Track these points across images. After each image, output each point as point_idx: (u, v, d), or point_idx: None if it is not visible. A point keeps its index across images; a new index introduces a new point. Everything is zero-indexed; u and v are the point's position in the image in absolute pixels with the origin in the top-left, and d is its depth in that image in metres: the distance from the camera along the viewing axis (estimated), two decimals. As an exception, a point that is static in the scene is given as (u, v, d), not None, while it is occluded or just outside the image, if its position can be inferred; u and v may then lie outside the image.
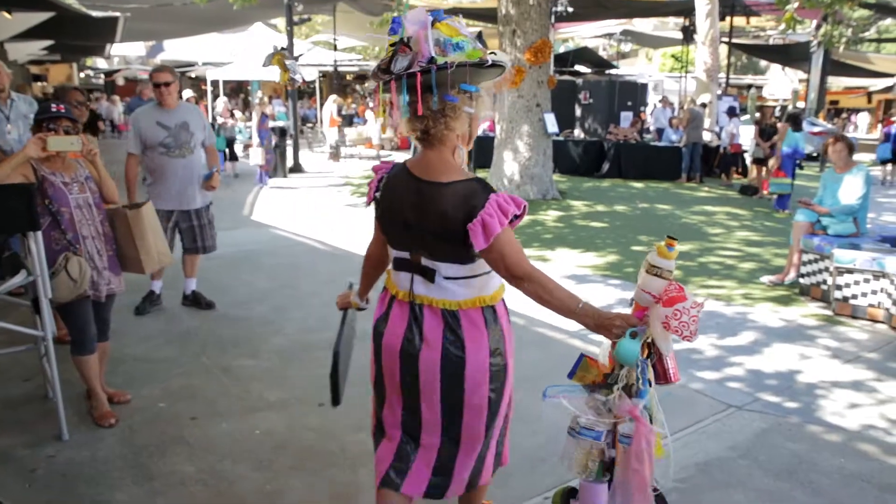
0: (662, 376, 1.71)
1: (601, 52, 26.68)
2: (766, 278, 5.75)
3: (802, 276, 5.36)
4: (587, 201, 9.98)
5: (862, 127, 28.63)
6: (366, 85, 30.54)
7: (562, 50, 23.02)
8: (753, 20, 21.97)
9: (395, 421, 2.05)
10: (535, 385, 3.55)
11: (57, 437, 3.00)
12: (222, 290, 4.94)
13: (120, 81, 25.99)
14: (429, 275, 1.89)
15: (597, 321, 1.73)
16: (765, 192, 10.63)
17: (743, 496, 2.65)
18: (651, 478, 1.68)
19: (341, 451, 2.95)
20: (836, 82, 27.95)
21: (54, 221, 2.99)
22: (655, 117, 16.44)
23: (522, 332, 2.65)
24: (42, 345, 3.13)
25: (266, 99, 11.82)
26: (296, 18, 14.37)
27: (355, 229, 7.88)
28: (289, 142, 13.20)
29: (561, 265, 6.22)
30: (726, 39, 18.84)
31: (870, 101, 29.99)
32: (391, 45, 1.81)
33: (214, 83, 20.24)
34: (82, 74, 26.02)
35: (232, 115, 12.90)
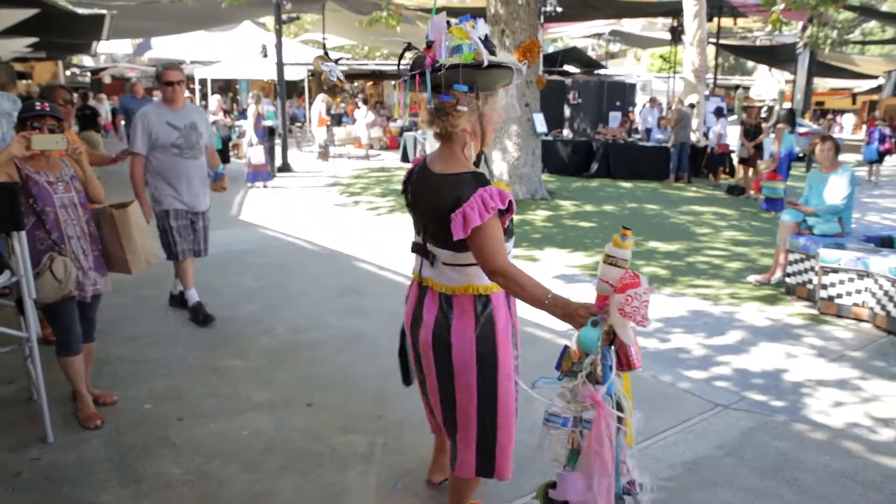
0: (625, 363, 1.76)
1: (590, 53, 26.77)
2: (752, 278, 5.79)
3: (788, 275, 5.41)
4: (576, 201, 10.01)
5: (847, 128, 28.93)
6: (354, 84, 30.48)
7: (551, 50, 23.08)
8: (740, 21, 22.14)
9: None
10: (525, 384, 3.56)
11: (41, 440, 2.97)
12: (210, 290, 4.91)
13: (107, 79, 25.75)
14: (431, 259, 2.07)
15: (564, 311, 1.82)
16: (752, 192, 10.71)
17: (730, 494, 2.67)
18: (612, 462, 1.73)
19: (330, 452, 2.94)
20: (822, 83, 28.25)
21: (39, 221, 2.96)
22: (643, 117, 16.53)
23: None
24: (26, 346, 3.10)
25: (259, 97, 11.66)
26: (284, 17, 14.31)
27: (344, 229, 7.86)
28: (277, 141, 13.13)
29: (549, 265, 6.24)
30: (714, 40, 18.97)
31: (854, 102, 30.32)
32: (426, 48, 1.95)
33: (203, 82, 20.11)
34: (68, 72, 25.72)
35: (226, 114, 12.80)
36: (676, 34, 18.17)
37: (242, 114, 19.01)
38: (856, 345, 4.36)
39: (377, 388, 3.57)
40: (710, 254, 6.82)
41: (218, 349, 4.12)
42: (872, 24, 30.61)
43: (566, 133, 14.82)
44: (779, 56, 22.72)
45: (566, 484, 1.81)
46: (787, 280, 5.43)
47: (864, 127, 21.26)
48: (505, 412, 2.13)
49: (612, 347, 1.76)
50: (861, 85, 27.66)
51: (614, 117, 15.01)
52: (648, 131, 15.25)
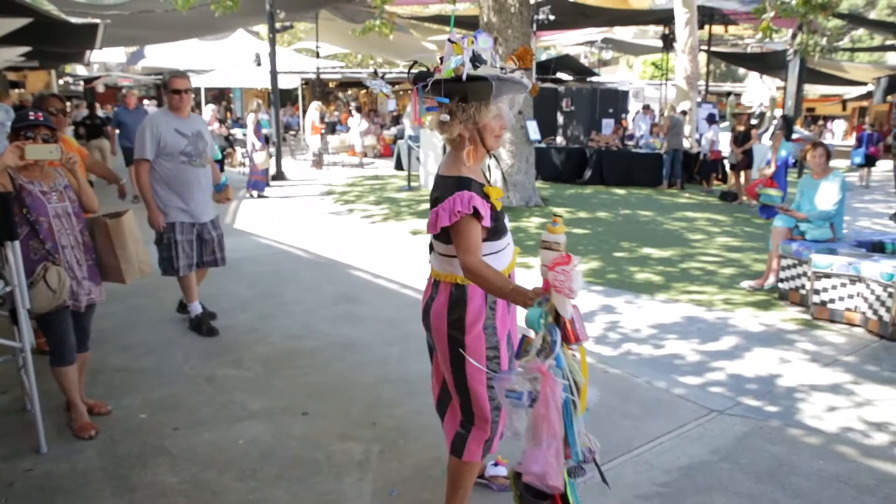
0: (571, 337, 1.88)
1: (582, 60, 26.91)
2: (746, 283, 5.82)
3: (781, 280, 5.44)
4: (569, 208, 10.04)
5: (838, 134, 29.17)
6: (348, 92, 30.55)
7: (543, 57, 23.19)
8: (731, 29, 22.35)
9: None
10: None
11: (35, 450, 2.95)
12: (205, 299, 4.89)
13: (100, 88, 25.68)
14: (430, 247, 2.32)
15: (522, 298, 1.96)
16: (745, 197, 10.77)
17: (725, 499, 2.68)
18: (559, 427, 1.84)
19: (326, 460, 2.94)
20: (813, 90, 28.50)
21: (32, 231, 2.95)
22: (636, 124, 16.63)
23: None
24: (20, 356, 3.08)
25: (259, 105, 11.59)
26: (278, 26, 14.35)
27: (338, 237, 7.86)
28: (271, 149, 13.13)
29: (544, 271, 6.26)
30: (705, 48, 19.13)
31: (844, 108, 30.57)
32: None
33: (196, 91, 20.11)
34: (61, 81, 25.67)
35: (221, 124, 12.76)
36: (668, 42, 18.31)
37: (237, 122, 19.03)
38: (848, 349, 4.39)
39: (373, 396, 3.57)
40: (704, 260, 6.85)
41: (213, 358, 4.11)
42: (861, 31, 30.94)
43: (559, 140, 14.89)
44: (769, 63, 22.91)
45: (526, 456, 1.90)
46: (780, 285, 5.46)
47: (854, 133, 21.46)
48: (476, 400, 2.24)
49: (558, 325, 1.89)
50: (851, 91, 27.90)
51: (607, 124, 15.09)
52: (640, 138, 15.34)
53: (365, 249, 7.12)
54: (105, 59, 26.60)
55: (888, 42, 26.00)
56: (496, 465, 2.74)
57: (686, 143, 13.32)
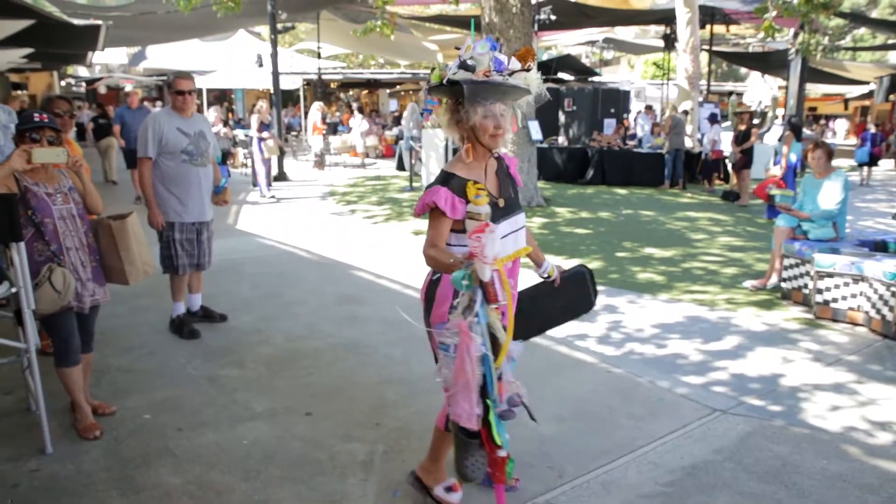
0: (491, 298, 2.03)
1: (584, 60, 26.91)
2: (748, 283, 5.82)
3: (784, 280, 5.44)
4: (571, 208, 10.05)
5: (840, 133, 29.13)
6: (350, 93, 30.57)
7: (545, 57, 23.19)
8: (733, 28, 22.32)
9: None
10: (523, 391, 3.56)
11: (40, 451, 2.96)
12: (208, 300, 4.90)
13: (102, 90, 25.76)
14: None
15: (458, 265, 2.11)
16: (746, 197, 10.76)
17: (729, 499, 2.68)
18: (473, 377, 2.01)
19: (330, 461, 2.95)
20: (815, 89, 28.44)
21: (37, 232, 2.97)
22: (640, 124, 16.62)
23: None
24: (25, 357, 3.09)
25: (265, 107, 11.51)
26: (279, 27, 14.36)
27: (341, 238, 7.87)
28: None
29: (546, 271, 6.26)
30: (707, 47, 19.11)
31: (846, 107, 30.53)
32: None
33: (199, 92, 20.12)
34: (63, 83, 25.74)
35: (225, 124, 12.75)
36: (670, 41, 18.30)
37: (238, 123, 19.05)
38: (851, 349, 4.38)
39: (376, 396, 3.58)
40: (706, 259, 6.85)
41: (217, 359, 4.12)
42: (863, 30, 30.89)
43: (561, 140, 14.88)
44: (771, 62, 22.89)
45: (450, 400, 2.08)
46: (783, 285, 5.46)
47: (857, 132, 21.42)
48: (451, 380, 2.34)
49: (480, 287, 2.04)
50: (853, 90, 27.87)
51: (609, 124, 15.09)
52: (642, 138, 15.34)
53: (367, 250, 7.12)
54: (107, 60, 26.67)
55: (890, 41, 25.96)
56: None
57: (688, 143, 13.31)
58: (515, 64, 2.33)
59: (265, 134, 10.63)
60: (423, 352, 2.85)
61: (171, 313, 4.57)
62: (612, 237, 7.91)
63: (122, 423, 3.27)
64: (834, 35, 30.38)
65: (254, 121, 11.01)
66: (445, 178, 2.32)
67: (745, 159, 10.80)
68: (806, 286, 5.19)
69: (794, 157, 8.69)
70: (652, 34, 24.95)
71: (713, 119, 13.20)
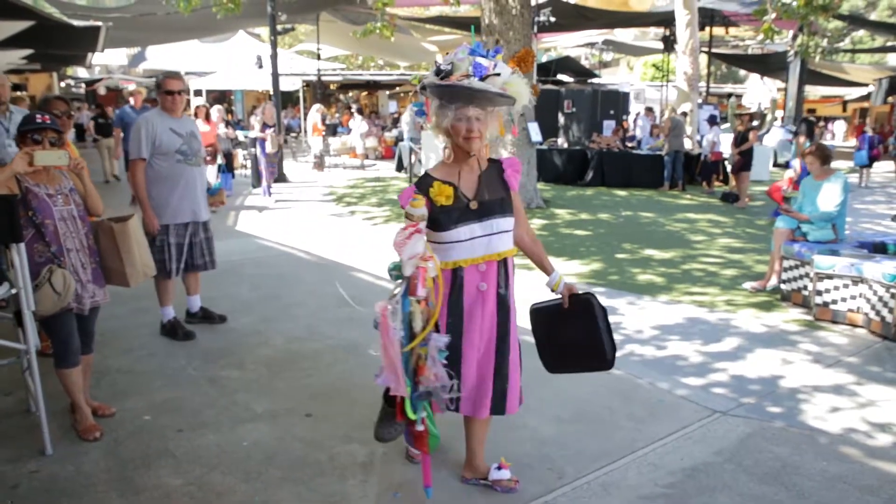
0: (411, 290, 2.21)
1: (583, 62, 26.96)
2: (748, 284, 5.82)
3: (783, 282, 5.45)
4: (571, 209, 10.05)
5: (838, 135, 29.17)
6: (349, 94, 30.59)
7: (544, 59, 23.22)
8: (732, 30, 22.36)
9: None
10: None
11: (40, 452, 2.96)
12: (207, 301, 4.90)
13: (101, 91, 25.77)
14: None
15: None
16: (747, 199, 10.76)
17: (729, 500, 2.68)
18: (397, 356, 2.17)
19: (330, 462, 2.95)
20: (813, 91, 28.49)
21: (38, 233, 2.96)
22: (640, 126, 16.63)
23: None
24: (25, 358, 3.09)
25: (270, 108, 11.30)
26: (279, 28, 14.37)
27: (340, 239, 7.87)
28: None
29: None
30: (706, 49, 19.14)
31: (845, 109, 30.59)
32: None
33: (198, 92, 20.13)
34: (63, 84, 25.74)
35: (227, 125, 12.70)
36: (669, 43, 18.33)
37: (238, 124, 19.03)
38: (851, 350, 4.39)
39: (376, 398, 3.55)
40: (706, 261, 6.86)
41: (216, 360, 4.12)
42: (862, 32, 30.95)
43: (561, 142, 14.89)
44: (770, 64, 22.94)
45: (380, 374, 2.29)
46: (783, 287, 5.46)
47: (856, 134, 21.47)
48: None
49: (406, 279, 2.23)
50: (851, 93, 27.91)
51: (608, 126, 15.10)
52: (641, 139, 15.35)
53: (367, 251, 7.12)
54: (106, 61, 26.68)
55: (889, 43, 26.01)
56: (499, 468, 2.73)
57: (687, 145, 13.32)
58: (502, 69, 2.40)
59: (268, 132, 10.54)
60: (424, 353, 2.85)
61: (161, 319, 4.53)
62: (612, 239, 7.92)
63: (122, 424, 3.27)
64: (833, 37, 30.45)
65: (256, 122, 10.96)
66: (422, 178, 2.49)
67: (744, 161, 10.80)
68: (805, 288, 5.20)
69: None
70: (651, 36, 24.99)
71: (712, 121, 13.22)
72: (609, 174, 13.06)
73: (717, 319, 5.00)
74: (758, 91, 27.53)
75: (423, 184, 2.47)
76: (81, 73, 29.35)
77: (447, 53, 2.48)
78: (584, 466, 2.91)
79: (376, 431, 2.53)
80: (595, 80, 22.90)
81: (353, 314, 5.00)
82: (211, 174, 8.98)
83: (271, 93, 14.33)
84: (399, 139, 16.50)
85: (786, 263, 5.41)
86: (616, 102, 15.97)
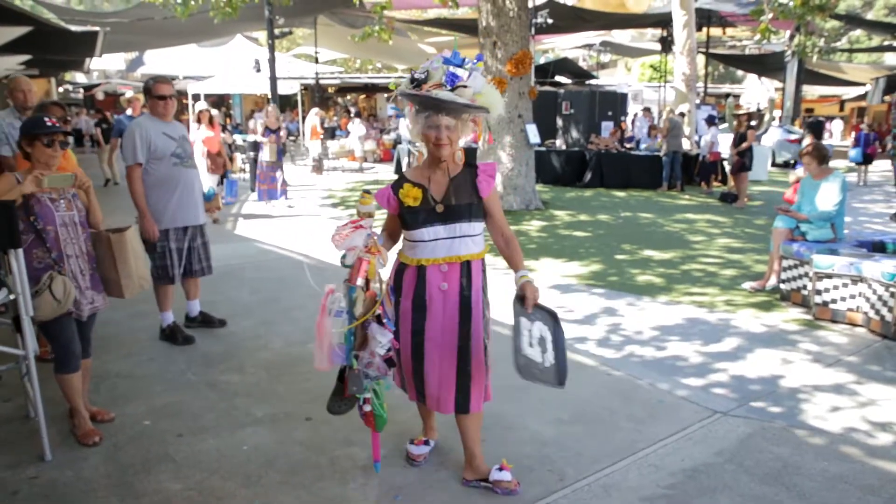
0: (350, 278, 2.52)
1: (581, 63, 26.98)
2: (747, 284, 5.82)
3: (783, 281, 5.45)
4: (570, 211, 10.06)
5: (836, 134, 29.20)
6: (347, 97, 30.61)
7: (542, 61, 23.25)
8: (729, 31, 22.39)
9: None
10: (519, 394, 3.57)
11: (39, 458, 2.95)
12: (207, 305, 4.90)
13: (100, 96, 25.78)
14: None
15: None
16: (746, 199, 10.77)
17: (730, 501, 2.68)
18: (328, 339, 2.51)
19: (330, 465, 2.94)
20: (811, 91, 28.56)
21: (38, 239, 2.97)
22: (638, 126, 16.64)
23: (507, 340, 2.68)
24: (24, 364, 3.09)
25: (272, 111, 11.04)
26: (277, 32, 14.39)
27: (340, 242, 7.85)
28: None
29: (545, 275, 6.26)
30: (703, 50, 19.17)
31: (842, 108, 30.62)
32: None
33: (196, 97, 20.13)
34: (61, 89, 25.75)
35: (223, 129, 12.69)
36: (666, 44, 18.36)
37: (236, 128, 19.04)
38: (851, 350, 4.39)
39: (376, 401, 3.57)
40: (705, 261, 6.86)
41: (216, 364, 4.11)
42: (859, 32, 31.01)
43: (559, 143, 14.90)
44: (768, 65, 22.97)
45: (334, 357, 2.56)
46: (782, 286, 5.46)
47: (853, 133, 21.52)
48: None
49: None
50: (849, 92, 27.95)
51: (606, 127, 15.11)
52: (639, 140, 15.36)
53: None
54: (104, 66, 26.70)
55: (886, 42, 26.06)
56: (501, 469, 2.73)
57: (685, 145, 13.33)
58: (475, 80, 2.45)
59: (266, 139, 10.29)
60: (423, 356, 2.84)
61: (161, 323, 4.52)
62: (611, 240, 7.92)
63: (122, 429, 3.26)
64: (830, 37, 30.50)
65: (259, 125, 10.82)
66: (397, 179, 2.66)
67: (742, 162, 10.80)
68: (805, 287, 5.20)
69: None
70: (648, 37, 25.03)
71: (711, 121, 13.23)
72: (607, 175, 13.07)
73: (717, 320, 5.00)
74: (756, 91, 27.54)
75: (397, 184, 2.62)
76: (80, 78, 29.38)
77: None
78: (585, 468, 2.91)
79: (328, 405, 2.72)
80: (593, 82, 22.93)
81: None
82: (211, 181, 8.88)
83: (270, 96, 14.33)
84: (397, 142, 16.50)
85: (785, 263, 5.41)
86: (614, 103, 15.97)
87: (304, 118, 19.23)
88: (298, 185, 13.40)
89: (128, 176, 4.18)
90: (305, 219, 9.52)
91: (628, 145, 14.86)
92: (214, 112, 12.11)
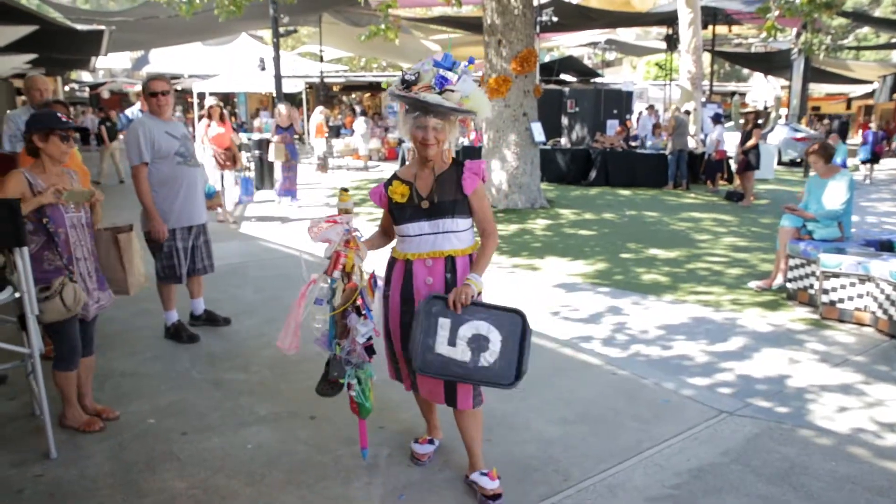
0: (328, 268, 2.68)
1: (586, 61, 26.92)
2: (753, 283, 5.79)
3: (789, 280, 5.41)
4: (575, 209, 10.03)
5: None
6: (352, 96, 30.62)
7: (547, 59, 23.19)
8: (735, 28, 22.29)
9: None
10: (524, 394, 3.56)
11: (44, 456, 2.96)
12: (211, 303, 4.90)
13: (105, 94, 25.84)
14: None
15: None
16: (752, 198, 10.72)
17: (736, 501, 2.66)
18: (296, 321, 2.73)
19: (334, 464, 2.94)
20: (818, 89, 28.40)
21: (50, 241, 2.99)
22: (642, 124, 16.59)
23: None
24: (29, 362, 3.09)
25: (284, 110, 10.76)
26: (281, 30, 14.40)
27: (344, 240, 7.85)
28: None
29: (550, 273, 6.24)
30: (709, 48, 19.09)
31: (849, 106, 30.47)
32: None
33: (201, 95, 20.17)
34: (67, 88, 25.85)
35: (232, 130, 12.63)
36: (672, 42, 18.28)
37: (241, 127, 19.08)
38: (859, 349, 4.35)
39: (380, 399, 3.55)
40: (711, 260, 6.82)
41: (220, 362, 4.11)
42: (866, 29, 30.82)
43: (564, 142, 14.87)
44: (774, 63, 22.86)
45: (319, 339, 2.78)
46: (788, 285, 5.43)
47: (860, 131, 21.40)
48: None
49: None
50: (856, 90, 27.80)
51: (611, 125, 15.07)
52: (644, 137, 15.32)
53: (370, 253, 7.10)
54: (110, 65, 26.76)
55: (893, 40, 25.88)
56: (484, 474, 2.70)
57: (691, 143, 13.28)
58: (464, 84, 2.50)
59: (276, 138, 9.97)
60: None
61: (165, 322, 4.52)
62: (616, 238, 7.89)
63: (127, 427, 3.26)
64: (837, 34, 30.34)
65: (272, 124, 10.71)
66: (390, 177, 2.76)
67: (748, 160, 10.73)
68: (812, 286, 5.17)
69: (838, 160, 8.47)
70: (654, 35, 24.95)
71: (717, 119, 13.17)
72: (613, 174, 13.03)
73: (723, 319, 4.97)
74: (762, 89, 27.45)
75: (388, 182, 2.74)
76: (85, 76, 29.48)
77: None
78: (590, 468, 2.89)
79: (316, 387, 2.85)
80: (598, 80, 22.86)
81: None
82: (222, 178, 8.73)
83: (275, 95, 14.35)
84: (402, 140, 16.49)
85: (792, 262, 5.38)
86: (619, 102, 15.94)
87: (308, 117, 19.25)
88: (303, 183, 13.39)
89: (134, 176, 4.15)
90: (309, 217, 9.50)
91: (633, 144, 14.82)
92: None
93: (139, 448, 3.06)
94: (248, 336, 4.59)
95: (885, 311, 4.56)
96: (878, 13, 31.77)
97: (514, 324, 2.53)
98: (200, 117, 9.11)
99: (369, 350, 2.70)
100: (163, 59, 22.79)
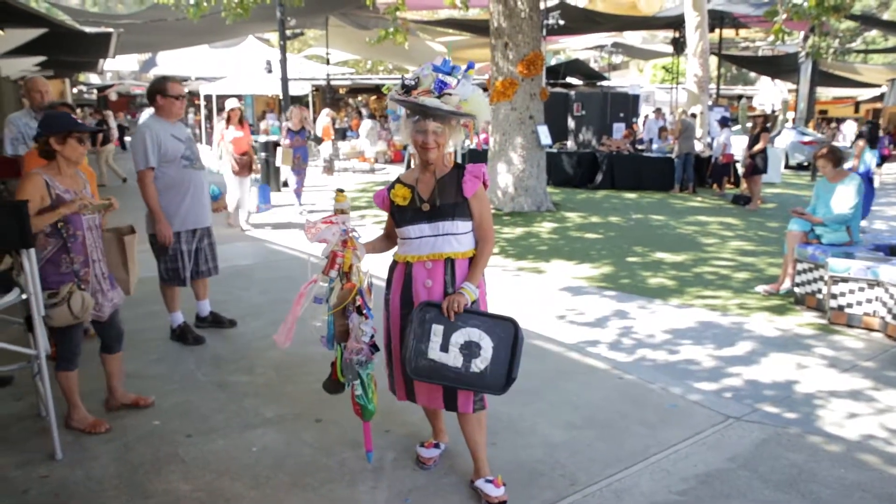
0: (325, 268, 2.70)
1: (592, 64, 26.88)
2: (761, 288, 5.76)
3: (797, 285, 5.38)
4: (581, 213, 10.00)
5: (849, 135, 28.91)
6: (359, 98, 30.67)
7: (553, 62, 23.18)
8: (742, 32, 22.23)
9: None
10: (530, 399, 3.54)
11: (50, 457, 2.96)
12: (216, 305, 4.90)
13: (113, 97, 25.99)
14: None
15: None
16: (760, 201, 10.67)
17: (744, 508, 2.64)
18: (293, 316, 2.78)
19: (339, 467, 2.93)
20: (825, 92, 28.28)
21: (65, 245, 3.02)
22: (648, 128, 16.55)
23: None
24: (35, 363, 3.10)
25: (297, 111, 10.50)
26: (288, 33, 14.45)
27: (350, 242, 7.85)
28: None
29: (556, 277, 6.22)
30: (716, 51, 19.04)
31: (857, 110, 30.30)
32: None
33: (208, 98, 20.25)
34: (75, 90, 26.00)
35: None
36: (678, 46, 18.24)
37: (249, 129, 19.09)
38: (867, 355, 4.32)
39: (385, 402, 3.54)
40: (718, 264, 6.79)
41: (226, 364, 4.11)
42: (874, 32, 30.70)
43: (570, 145, 14.85)
44: (782, 66, 22.79)
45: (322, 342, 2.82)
46: (796, 290, 5.39)
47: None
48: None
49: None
50: (864, 93, 27.67)
51: (618, 128, 15.04)
52: (652, 141, 15.28)
53: (376, 255, 7.10)
54: (118, 67, 26.93)
55: (902, 43, 25.77)
56: (489, 481, 2.69)
57: (698, 147, 13.23)
58: (462, 88, 2.53)
59: (286, 142, 9.77)
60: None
61: (171, 324, 4.52)
62: (623, 242, 7.87)
63: (132, 428, 3.27)
64: (845, 38, 30.22)
65: (283, 127, 10.59)
66: (394, 180, 2.80)
67: (754, 164, 10.66)
68: (820, 291, 5.13)
69: (863, 167, 8.35)
70: (660, 39, 24.91)
71: (724, 122, 13.12)
72: (619, 177, 12.99)
73: (730, 323, 4.94)
74: (769, 93, 27.34)
75: (391, 185, 2.78)
76: (93, 79, 29.65)
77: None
78: (597, 473, 2.87)
79: (323, 383, 2.90)
80: (604, 83, 22.83)
81: (362, 318, 4.98)
82: (240, 185, 8.37)
83: (281, 97, 14.38)
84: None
85: (799, 266, 5.34)
86: (626, 105, 15.91)
87: (315, 119, 19.29)
88: (310, 185, 13.41)
89: (140, 180, 4.13)
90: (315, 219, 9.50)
91: (640, 147, 14.78)
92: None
93: (144, 450, 3.06)
94: (253, 338, 4.59)
95: (895, 317, 4.52)
96: (886, 16, 31.65)
97: (507, 331, 2.56)
98: (209, 118, 8.96)
99: (373, 347, 2.74)
100: (170, 62, 22.92)
